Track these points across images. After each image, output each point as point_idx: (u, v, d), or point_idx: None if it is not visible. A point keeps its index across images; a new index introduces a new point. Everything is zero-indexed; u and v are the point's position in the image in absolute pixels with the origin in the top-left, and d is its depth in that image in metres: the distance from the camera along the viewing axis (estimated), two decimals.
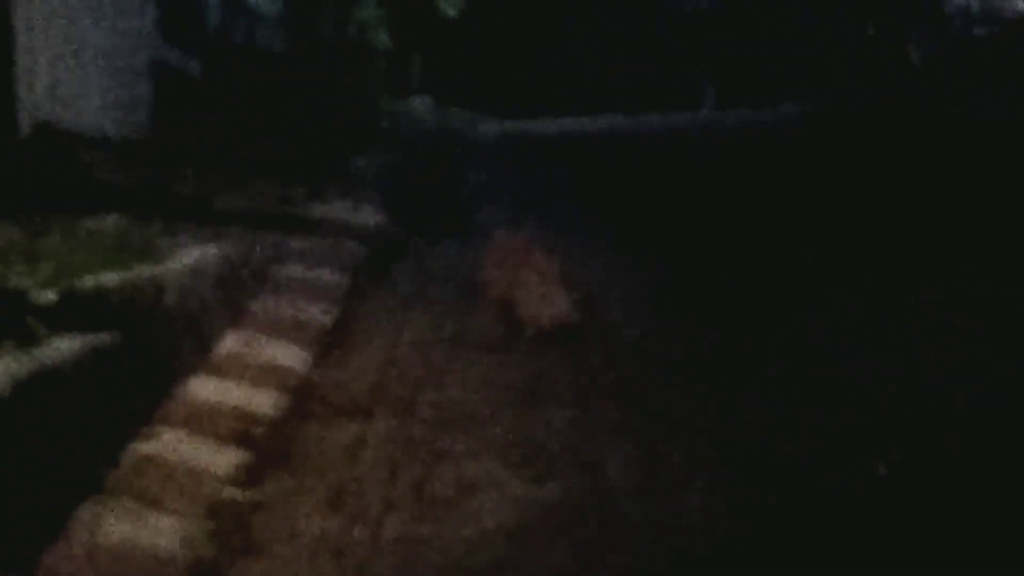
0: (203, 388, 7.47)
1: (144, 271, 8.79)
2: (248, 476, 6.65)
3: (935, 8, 22.21)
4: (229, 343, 8.31)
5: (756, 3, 27.63)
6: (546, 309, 9.60)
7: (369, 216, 12.50)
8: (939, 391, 8.43)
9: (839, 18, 26.41)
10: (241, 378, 7.80)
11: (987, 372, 8.82)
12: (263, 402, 7.55)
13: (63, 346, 7.14)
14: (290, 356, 8.45)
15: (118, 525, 5.77)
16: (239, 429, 7.07)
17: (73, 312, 7.57)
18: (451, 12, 21.83)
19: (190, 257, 9.51)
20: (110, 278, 8.37)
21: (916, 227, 12.53)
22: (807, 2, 26.83)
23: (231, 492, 6.41)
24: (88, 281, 8.20)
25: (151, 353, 7.64)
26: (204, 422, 7.03)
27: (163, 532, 5.85)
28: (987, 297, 10.22)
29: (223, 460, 6.68)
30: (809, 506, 6.61)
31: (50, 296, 7.68)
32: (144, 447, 6.54)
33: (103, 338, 7.37)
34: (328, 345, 8.91)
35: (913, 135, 17.35)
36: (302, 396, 7.89)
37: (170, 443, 6.68)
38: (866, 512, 6.60)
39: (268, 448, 7.03)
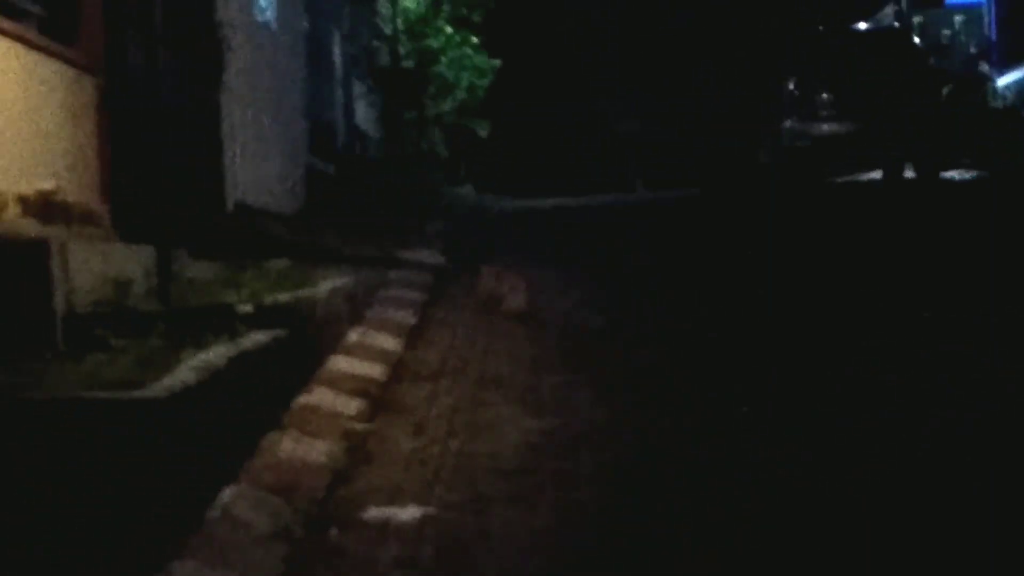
0: (339, 363, 7.48)
1: (303, 293, 8.83)
2: (366, 415, 6.66)
3: (775, 129, 22.22)
4: (354, 336, 8.32)
5: (666, 127, 27.77)
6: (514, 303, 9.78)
7: (435, 257, 12.56)
8: None
9: (716, 135, 26.47)
10: (361, 357, 7.81)
11: None
12: (374, 371, 7.56)
13: (256, 338, 7.17)
14: (390, 343, 8.47)
15: (289, 446, 5.78)
16: (360, 387, 7.07)
17: (261, 318, 7.59)
18: (483, 134, 21.92)
19: (330, 284, 9.56)
20: (283, 297, 8.41)
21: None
22: (696, 126, 26.88)
23: (356, 425, 6.41)
24: (269, 298, 8.23)
25: (308, 342, 7.66)
26: (340, 383, 7.04)
27: (316, 450, 5.85)
28: None
29: (351, 406, 6.68)
30: (698, 430, 6.55)
31: (247, 308, 7.72)
32: (304, 399, 6.54)
33: (279, 333, 7.40)
34: (413, 336, 8.92)
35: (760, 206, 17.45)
36: (397, 368, 7.89)
37: (320, 396, 6.69)
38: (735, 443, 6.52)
39: (378, 399, 7.03)
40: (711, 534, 5.02)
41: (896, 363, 7.87)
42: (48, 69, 8.55)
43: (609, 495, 5.52)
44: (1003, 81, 28.58)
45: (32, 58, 8.30)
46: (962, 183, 19.59)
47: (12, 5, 8.21)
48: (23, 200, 7.70)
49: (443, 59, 21.90)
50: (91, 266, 7.66)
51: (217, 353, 6.50)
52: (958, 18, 31.58)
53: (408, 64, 21.33)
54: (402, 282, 10.84)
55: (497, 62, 22.15)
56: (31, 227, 7.55)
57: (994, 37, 30.97)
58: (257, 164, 12.75)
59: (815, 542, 4.95)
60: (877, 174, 21.01)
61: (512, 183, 21.78)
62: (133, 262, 8.17)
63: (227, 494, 4.96)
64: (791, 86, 21.89)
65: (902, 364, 7.86)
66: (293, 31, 15.56)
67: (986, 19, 31.48)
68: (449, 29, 21.93)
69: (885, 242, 13.23)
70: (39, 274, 6.86)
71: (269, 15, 13.99)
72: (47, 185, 8.04)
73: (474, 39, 22.14)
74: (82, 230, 8.33)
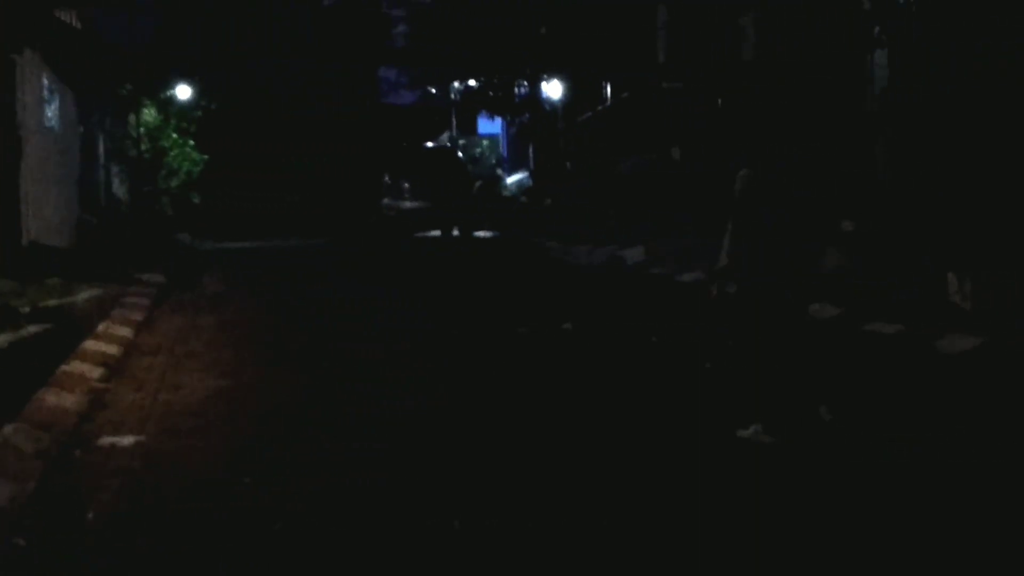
0: (91, 345, 7.07)
1: (67, 300, 8.34)
2: (106, 378, 6.35)
3: (377, 204, 21.93)
4: (102, 327, 7.85)
5: (312, 202, 26.50)
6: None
7: (160, 278, 11.92)
8: None
9: (342, 207, 25.58)
10: (106, 340, 7.40)
11: None
12: (113, 350, 7.16)
13: (32, 329, 6.77)
14: (126, 331, 8.01)
15: (52, 398, 5.49)
16: (103, 360, 6.72)
17: (37, 316, 7.16)
18: (196, 200, 21.06)
19: (87, 294, 9.05)
20: (53, 302, 7.92)
21: None
22: (331, 201, 25.62)
23: (98, 385, 6.12)
24: (44, 303, 7.75)
25: (70, 332, 7.25)
26: (89, 358, 6.66)
27: (70, 400, 5.57)
28: None
29: (96, 372, 6.35)
30: (315, 384, 6.50)
31: (27, 309, 7.26)
32: (64, 367, 6.20)
33: (49, 326, 7.01)
34: (141, 328, 8.45)
35: None
36: (129, 347, 7.49)
37: (76, 366, 6.34)
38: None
39: (114, 367, 6.69)
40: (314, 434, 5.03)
41: None
42: None
43: (257, 425, 5.50)
44: (510, 180, 29.93)
45: None
46: (484, 238, 20.36)
47: None
48: None
49: (171, 153, 20.93)
50: None
51: (4, 339, 6.10)
52: (485, 142, 32.63)
53: (147, 156, 20.30)
54: (137, 293, 10.24)
55: (205, 156, 21.31)
56: None
57: (505, 155, 32.39)
58: (44, 216, 11.85)
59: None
60: (438, 232, 21.48)
61: (215, 232, 20.78)
62: None
63: (7, 429, 4.75)
64: (387, 178, 22.04)
65: None
66: (71, 132, 14.61)
67: (501, 143, 32.92)
68: (175, 135, 21.02)
69: (443, 260, 14.95)
70: None
71: (54, 122, 13.12)
72: None
73: (191, 142, 21.26)
74: None
